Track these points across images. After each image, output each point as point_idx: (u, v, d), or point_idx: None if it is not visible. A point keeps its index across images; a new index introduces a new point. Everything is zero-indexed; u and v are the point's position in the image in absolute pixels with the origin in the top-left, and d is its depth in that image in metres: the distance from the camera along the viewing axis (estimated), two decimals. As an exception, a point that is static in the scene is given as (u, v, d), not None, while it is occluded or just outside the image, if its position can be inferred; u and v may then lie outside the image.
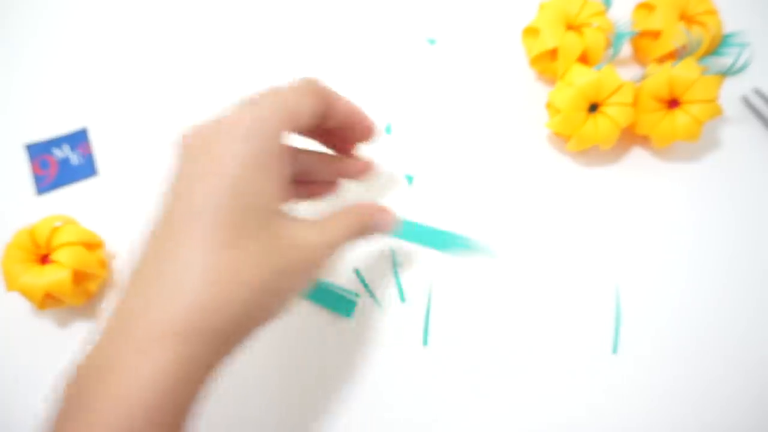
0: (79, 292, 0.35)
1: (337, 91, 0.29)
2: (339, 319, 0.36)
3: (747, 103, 0.41)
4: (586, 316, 0.35)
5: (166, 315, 0.22)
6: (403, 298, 0.36)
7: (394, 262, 0.37)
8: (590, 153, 0.40)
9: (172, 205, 0.24)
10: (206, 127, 0.25)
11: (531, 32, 0.41)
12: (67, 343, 0.35)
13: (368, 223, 0.30)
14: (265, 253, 0.23)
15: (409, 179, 0.40)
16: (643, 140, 0.40)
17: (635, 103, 0.37)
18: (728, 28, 0.40)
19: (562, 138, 0.40)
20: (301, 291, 0.26)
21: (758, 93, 0.41)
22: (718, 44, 0.40)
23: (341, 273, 0.37)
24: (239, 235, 0.23)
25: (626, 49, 0.43)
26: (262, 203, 0.24)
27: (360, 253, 0.37)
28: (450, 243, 0.37)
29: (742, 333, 0.34)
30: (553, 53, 0.40)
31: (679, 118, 0.37)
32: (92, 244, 0.36)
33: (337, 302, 0.36)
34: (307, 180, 0.33)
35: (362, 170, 0.34)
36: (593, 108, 0.38)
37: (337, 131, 0.32)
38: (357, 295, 0.36)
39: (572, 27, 0.39)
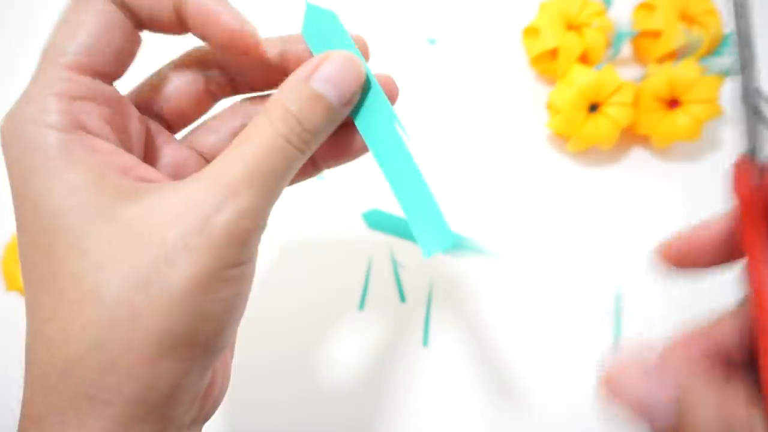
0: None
1: None
2: (337, 320, 0.36)
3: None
4: (586, 316, 0.35)
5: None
6: (403, 298, 0.36)
7: (394, 262, 0.37)
8: (590, 153, 0.40)
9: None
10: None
11: (531, 32, 0.41)
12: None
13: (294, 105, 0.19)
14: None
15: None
16: (643, 140, 0.40)
17: (635, 103, 0.37)
18: (728, 28, 0.40)
19: (562, 138, 0.40)
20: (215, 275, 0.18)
21: (758, 93, 0.41)
22: (719, 44, 0.40)
23: (350, 269, 0.37)
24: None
25: (626, 49, 0.42)
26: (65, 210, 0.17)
27: (359, 252, 0.37)
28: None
29: (742, 333, 0.34)
30: (553, 53, 0.40)
31: (680, 118, 0.37)
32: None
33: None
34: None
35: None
36: (593, 108, 0.38)
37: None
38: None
39: (572, 27, 0.39)
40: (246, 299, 0.20)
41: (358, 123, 0.22)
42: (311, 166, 0.25)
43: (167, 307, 0.17)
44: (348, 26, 0.22)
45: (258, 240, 0.19)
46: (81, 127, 0.18)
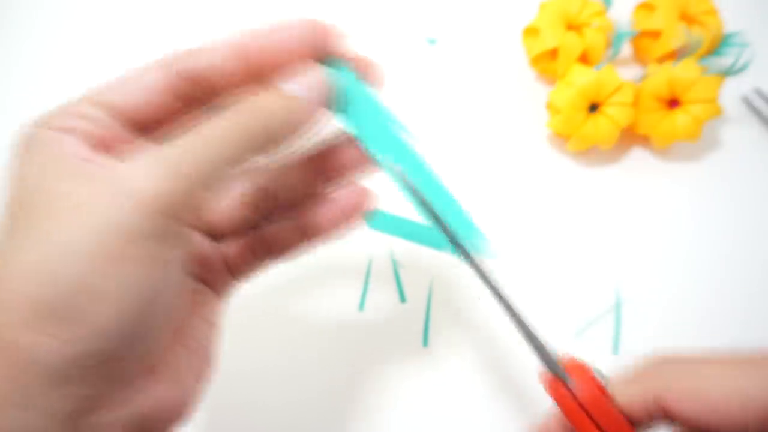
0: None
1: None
2: (337, 320, 0.36)
3: (747, 102, 0.41)
4: (586, 316, 0.35)
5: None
6: (403, 298, 0.36)
7: (394, 262, 0.37)
8: (590, 153, 0.40)
9: None
10: None
11: (531, 32, 0.41)
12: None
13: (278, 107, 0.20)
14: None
15: (409, 179, 0.40)
16: (643, 140, 0.40)
17: (635, 103, 0.37)
18: (728, 28, 0.40)
19: (562, 138, 0.40)
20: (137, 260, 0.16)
21: (759, 93, 0.41)
22: (719, 44, 0.40)
23: (346, 265, 0.37)
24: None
25: (626, 49, 0.43)
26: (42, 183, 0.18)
27: (359, 252, 0.37)
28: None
29: (742, 332, 0.34)
30: (553, 53, 0.40)
31: (679, 118, 0.37)
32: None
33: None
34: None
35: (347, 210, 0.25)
36: (593, 108, 0.38)
37: None
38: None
39: (572, 27, 0.39)
40: (161, 309, 0.18)
41: (360, 133, 0.22)
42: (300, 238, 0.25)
43: (46, 266, 0.16)
44: (346, 27, 0.23)
45: (171, 223, 0.17)
46: (66, 130, 0.19)
